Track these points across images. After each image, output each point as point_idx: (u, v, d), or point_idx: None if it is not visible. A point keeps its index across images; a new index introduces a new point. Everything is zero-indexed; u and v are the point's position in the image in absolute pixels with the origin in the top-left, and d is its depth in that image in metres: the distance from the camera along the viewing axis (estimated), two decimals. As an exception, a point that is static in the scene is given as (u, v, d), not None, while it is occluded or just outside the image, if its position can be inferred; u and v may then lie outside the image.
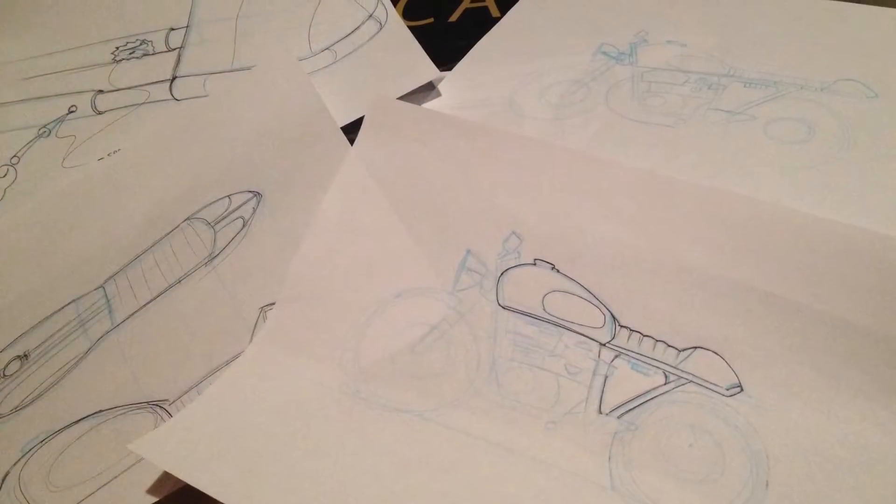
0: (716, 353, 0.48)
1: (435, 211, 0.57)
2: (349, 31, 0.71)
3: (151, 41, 0.72)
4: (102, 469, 0.53)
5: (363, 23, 0.71)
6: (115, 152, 0.63)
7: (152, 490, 0.51)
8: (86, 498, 0.52)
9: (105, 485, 0.52)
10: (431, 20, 0.78)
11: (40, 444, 0.53)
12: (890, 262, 0.45)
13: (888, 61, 0.60)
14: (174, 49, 0.71)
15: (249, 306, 0.58)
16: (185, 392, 0.55)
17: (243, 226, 0.59)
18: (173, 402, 0.55)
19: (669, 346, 0.49)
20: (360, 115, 0.62)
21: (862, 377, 0.45)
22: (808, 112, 0.58)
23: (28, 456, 0.53)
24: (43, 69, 0.70)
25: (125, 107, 0.67)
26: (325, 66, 0.69)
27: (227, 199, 0.60)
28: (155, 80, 0.69)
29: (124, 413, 0.54)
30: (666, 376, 0.48)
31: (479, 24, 0.74)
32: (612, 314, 0.51)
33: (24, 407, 0.54)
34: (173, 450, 0.50)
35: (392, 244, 0.57)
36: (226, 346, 0.56)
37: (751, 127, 0.58)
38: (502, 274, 0.54)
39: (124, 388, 0.55)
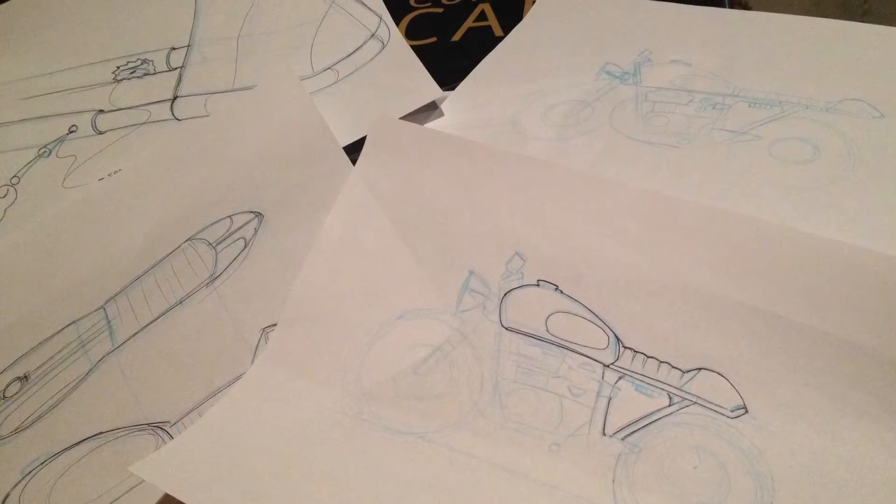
0: (720, 374, 0.48)
1: (437, 231, 0.57)
2: (351, 51, 0.71)
3: (152, 60, 0.72)
4: (103, 491, 0.52)
5: (365, 42, 0.72)
6: (115, 172, 0.63)
7: (153, 512, 0.51)
8: (86, 520, 0.52)
9: (106, 507, 0.52)
10: (434, 39, 0.78)
11: (41, 466, 0.53)
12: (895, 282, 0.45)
13: (894, 81, 0.60)
14: (175, 68, 0.71)
15: (251, 327, 0.58)
16: (187, 414, 0.55)
17: (245, 246, 0.59)
18: (174, 423, 0.55)
19: (673, 367, 0.49)
20: (363, 135, 0.62)
21: (867, 399, 0.45)
22: (814, 132, 0.58)
23: (28, 478, 0.53)
24: (43, 89, 0.70)
25: (126, 126, 0.67)
26: (328, 86, 0.69)
27: (228, 220, 0.60)
28: (156, 100, 0.69)
29: (125, 435, 0.54)
30: (670, 398, 0.48)
31: (482, 43, 0.75)
32: (615, 335, 0.50)
33: (25, 429, 0.54)
34: (174, 472, 0.49)
35: (394, 265, 0.57)
36: (227, 367, 0.56)
37: (756, 147, 0.58)
38: (505, 295, 0.54)
39: (125, 409, 0.55)
